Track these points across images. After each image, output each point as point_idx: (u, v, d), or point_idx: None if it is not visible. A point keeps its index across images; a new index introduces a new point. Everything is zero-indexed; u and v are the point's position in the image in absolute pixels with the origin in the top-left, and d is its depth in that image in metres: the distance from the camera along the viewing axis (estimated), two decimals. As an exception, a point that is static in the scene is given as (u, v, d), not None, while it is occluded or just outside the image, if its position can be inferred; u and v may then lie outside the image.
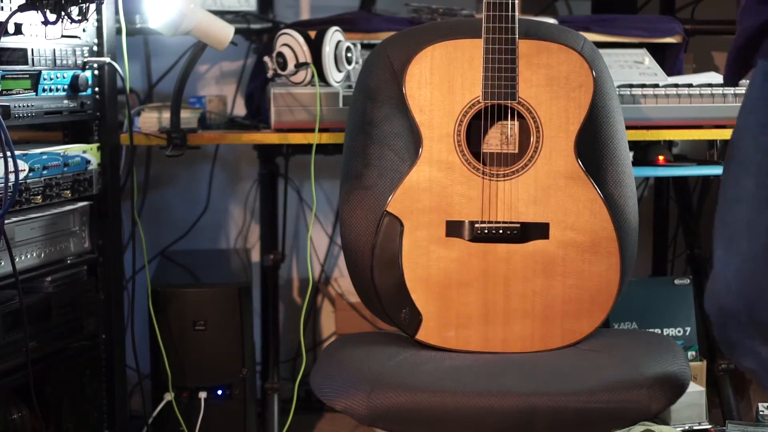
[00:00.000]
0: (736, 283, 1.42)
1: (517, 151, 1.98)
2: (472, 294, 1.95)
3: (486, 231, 1.95)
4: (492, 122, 1.97)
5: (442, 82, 1.97)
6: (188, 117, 2.50)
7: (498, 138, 1.98)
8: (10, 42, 2.03)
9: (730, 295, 1.43)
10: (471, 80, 1.96)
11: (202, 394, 2.45)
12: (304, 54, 2.36)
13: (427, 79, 1.97)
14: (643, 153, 2.53)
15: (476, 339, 1.95)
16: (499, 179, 1.96)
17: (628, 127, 2.15)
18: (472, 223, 1.95)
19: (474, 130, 1.98)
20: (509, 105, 1.96)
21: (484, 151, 1.98)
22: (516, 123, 1.97)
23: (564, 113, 1.97)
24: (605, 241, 1.94)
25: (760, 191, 1.40)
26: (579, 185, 1.95)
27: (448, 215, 1.96)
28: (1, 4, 1.99)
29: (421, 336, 1.95)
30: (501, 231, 1.95)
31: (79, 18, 2.10)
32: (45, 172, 2.11)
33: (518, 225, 1.95)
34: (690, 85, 2.44)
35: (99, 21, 2.28)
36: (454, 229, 1.96)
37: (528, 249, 1.95)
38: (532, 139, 1.96)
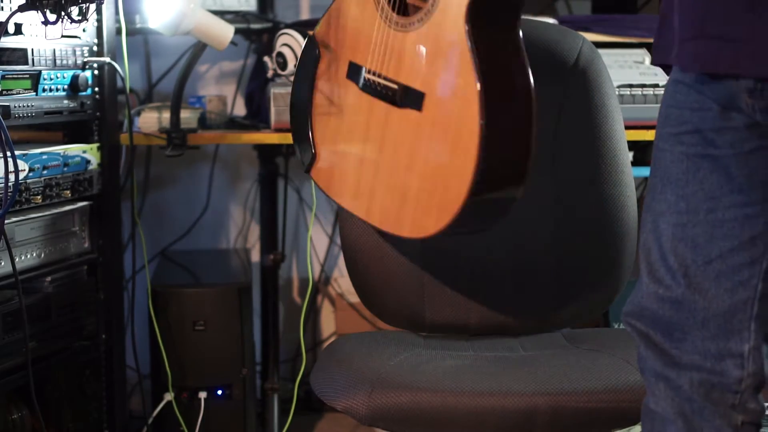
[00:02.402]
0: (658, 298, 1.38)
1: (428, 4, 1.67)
2: (353, 150, 1.80)
3: (371, 83, 1.73)
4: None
5: None
6: (188, 117, 2.51)
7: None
8: (10, 42, 2.03)
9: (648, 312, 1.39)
10: None
11: (202, 394, 2.45)
12: (304, 54, 2.36)
13: None
14: (643, 153, 2.54)
15: (348, 198, 1.82)
16: (396, 28, 1.71)
17: (627, 127, 2.15)
18: (362, 68, 1.76)
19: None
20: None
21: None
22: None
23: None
24: (466, 135, 1.58)
25: (680, 204, 1.37)
26: (462, 63, 1.59)
27: (353, 56, 1.78)
28: (1, 4, 2.00)
29: (313, 174, 1.87)
30: (381, 87, 1.72)
31: (79, 18, 2.09)
32: (45, 172, 2.11)
33: (396, 86, 1.69)
34: (690, 85, 2.43)
35: (99, 21, 2.28)
36: (352, 71, 1.78)
37: (402, 116, 1.69)
38: None
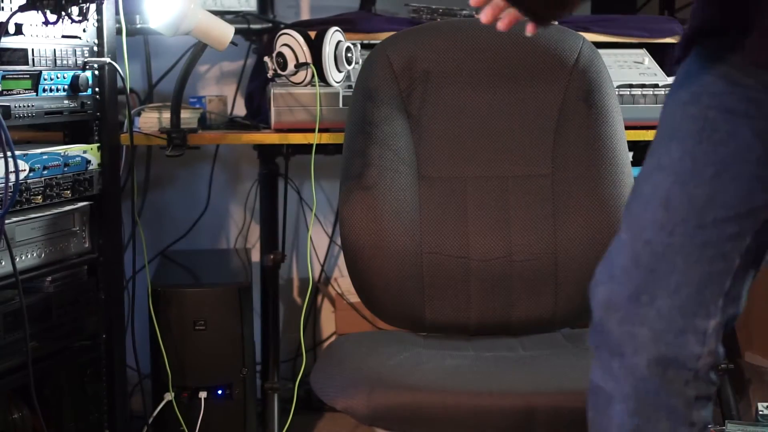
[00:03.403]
0: (639, 261, 1.31)
1: None
2: None
3: None
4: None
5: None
6: (188, 117, 2.51)
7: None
8: (10, 42, 2.03)
9: (628, 278, 1.31)
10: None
11: (202, 394, 2.45)
12: (304, 54, 2.36)
13: None
14: (643, 153, 2.53)
15: None
16: None
17: (627, 127, 2.16)
18: None
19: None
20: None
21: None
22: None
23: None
24: None
25: (685, 162, 1.31)
26: None
27: None
28: (2, 5, 2.00)
29: None
30: None
31: (80, 18, 2.10)
32: (45, 172, 2.11)
33: None
34: (690, 85, 2.43)
35: (99, 21, 2.28)
36: None
37: None
38: None
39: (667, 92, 1.41)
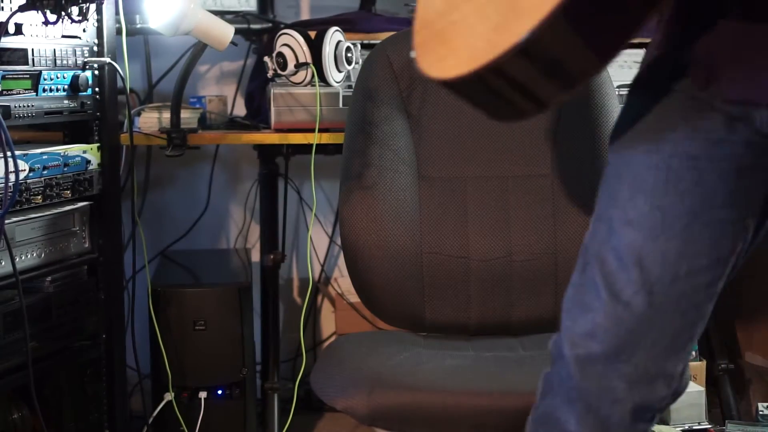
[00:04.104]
0: (622, 318, 1.30)
1: None
2: None
3: None
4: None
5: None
6: (188, 117, 2.51)
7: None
8: (10, 42, 2.03)
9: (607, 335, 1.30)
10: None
11: (202, 394, 2.45)
12: (304, 54, 2.36)
13: None
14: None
15: None
16: None
17: (627, 127, 2.15)
18: None
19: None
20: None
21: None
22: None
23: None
24: None
25: (654, 215, 1.29)
26: None
27: None
28: (2, 5, 2.00)
29: None
30: None
31: (80, 18, 2.10)
32: (45, 172, 2.11)
33: None
34: (690, 85, 2.43)
35: (99, 21, 2.28)
36: None
37: None
38: None
39: (617, 126, 1.38)
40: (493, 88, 1.24)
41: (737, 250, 1.31)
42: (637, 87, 1.39)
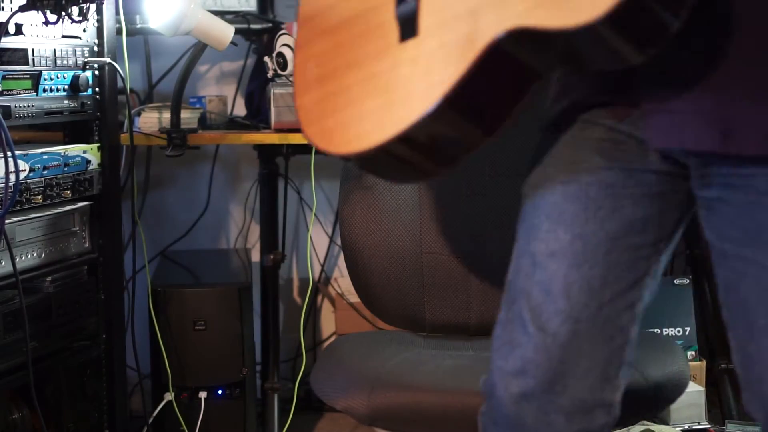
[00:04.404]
0: (548, 350, 1.31)
1: None
2: None
3: None
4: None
5: None
6: (188, 117, 2.51)
7: None
8: (10, 42, 2.03)
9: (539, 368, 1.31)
10: None
11: (202, 394, 2.45)
12: (304, 54, 2.36)
13: None
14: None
15: None
16: None
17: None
18: None
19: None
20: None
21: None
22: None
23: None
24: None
25: (576, 245, 1.30)
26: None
27: None
28: (2, 5, 2.00)
29: None
30: None
31: (80, 18, 2.10)
32: (45, 172, 2.11)
33: None
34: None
35: (99, 21, 2.28)
36: None
37: None
38: None
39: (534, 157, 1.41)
40: (380, 164, 1.31)
41: (651, 272, 1.34)
42: (548, 127, 1.40)
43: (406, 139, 1.22)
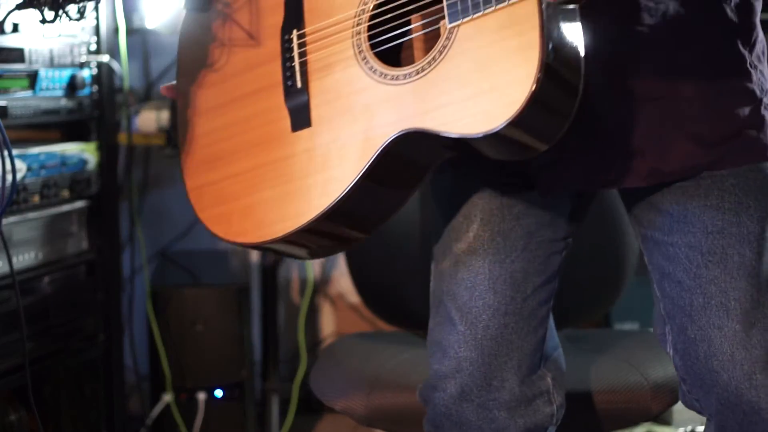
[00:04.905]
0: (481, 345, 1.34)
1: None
2: None
3: None
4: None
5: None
6: (187, 116, 2.49)
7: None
8: (7, 41, 2.02)
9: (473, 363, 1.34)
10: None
11: (201, 395, 2.45)
12: (304, 53, 2.35)
13: None
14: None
15: None
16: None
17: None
18: None
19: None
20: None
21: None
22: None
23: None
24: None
25: (497, 240, 1.35)
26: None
27: None
28: (-1, 3, 1.99)
29: None
30: None
31: (77, 16, 2.08)
32: (43, 171, 2.10)
33: None
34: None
35: (97, 20, 2.27)
36: None
37: None
38: None
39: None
40: (280, 250, 1.40)
41: (560, 266, 1.39)
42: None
43: (309, 230, 1.28)
